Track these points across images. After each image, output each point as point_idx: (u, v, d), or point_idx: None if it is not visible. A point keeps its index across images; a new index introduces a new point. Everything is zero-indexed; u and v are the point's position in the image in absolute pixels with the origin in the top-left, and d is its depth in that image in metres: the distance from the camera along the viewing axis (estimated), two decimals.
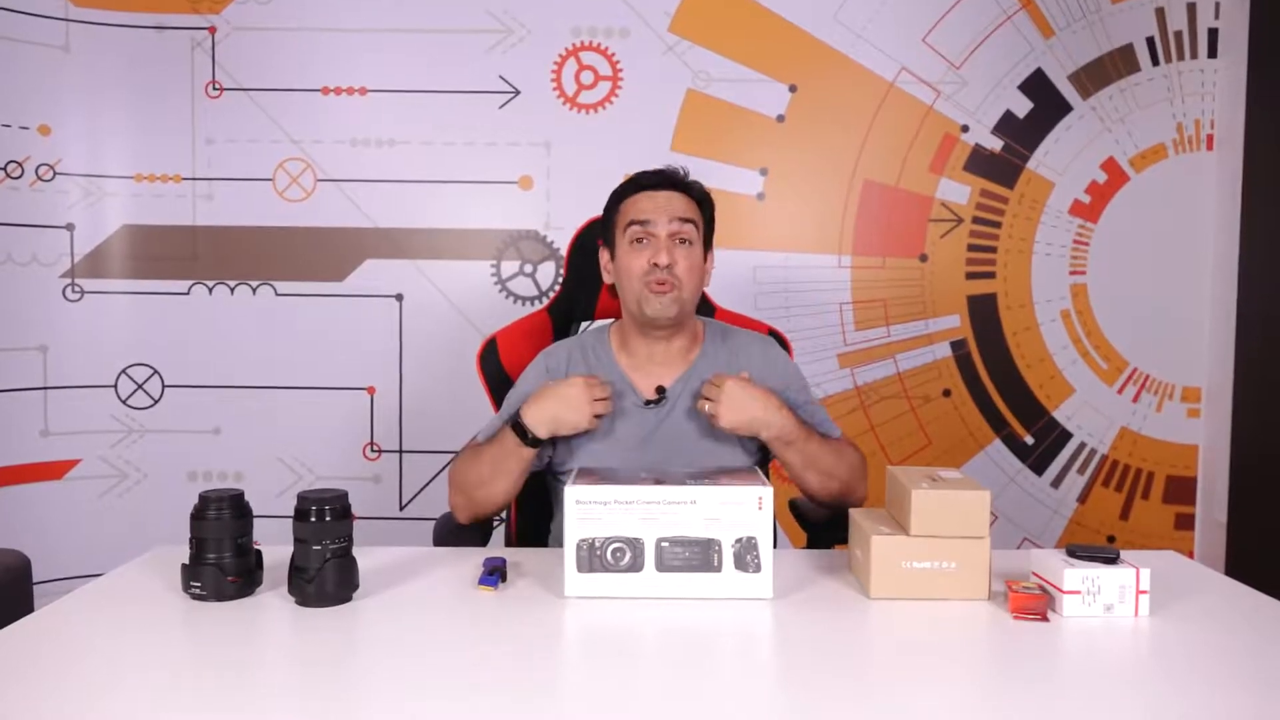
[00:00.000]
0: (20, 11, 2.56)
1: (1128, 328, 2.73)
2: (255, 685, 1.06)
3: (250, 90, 2.68)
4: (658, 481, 1.31)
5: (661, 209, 1.63)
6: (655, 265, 1.60)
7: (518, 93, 2.68)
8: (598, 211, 1.81)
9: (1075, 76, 2.69)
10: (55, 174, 2.63)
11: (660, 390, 1.67)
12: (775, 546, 1.30)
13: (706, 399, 1.56)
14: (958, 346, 2.74)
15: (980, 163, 2.70)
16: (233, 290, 2.72)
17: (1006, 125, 2.69)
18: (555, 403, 1.53)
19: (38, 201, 2.62)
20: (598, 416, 1.55)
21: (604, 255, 1.73)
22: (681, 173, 1.70)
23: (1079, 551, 1.28)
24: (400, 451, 2.74)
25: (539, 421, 1.53)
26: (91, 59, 2.63)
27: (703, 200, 1.70)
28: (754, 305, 2.69)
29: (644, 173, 1.71)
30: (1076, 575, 1.23)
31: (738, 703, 1.02)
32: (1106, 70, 2.69)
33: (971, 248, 2.72)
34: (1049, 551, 1.33)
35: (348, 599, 1.28)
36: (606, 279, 1.74)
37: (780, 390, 1.63)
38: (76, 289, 2.67)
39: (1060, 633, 1.20)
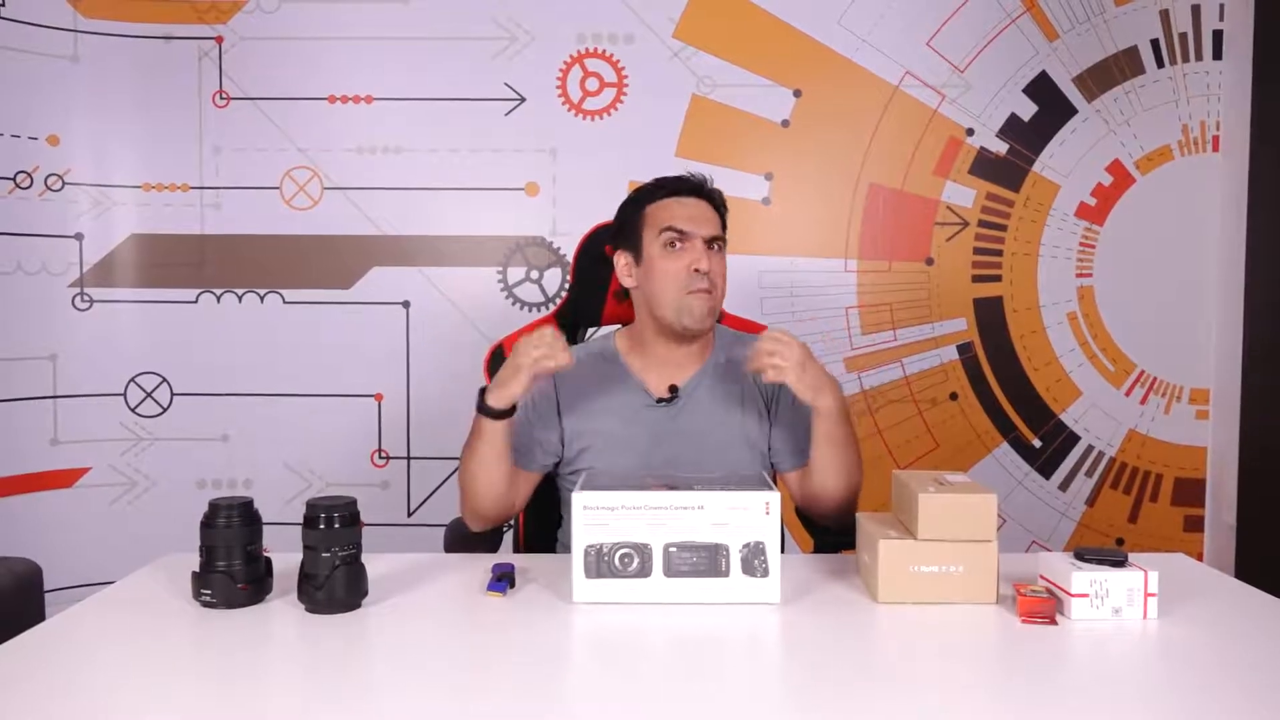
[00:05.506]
0: (29, 23, 2.58)
1: (1135, 330, 2.72)
2: (265, 692, 1.06)
3: (257, 99, 2.69)
4: (665, 487, 1.31)
5: (697, 220, 1.64)
6: (698, 271, 1.60)
7: (523, 100, 2.69)
8: (604, 217, 1.81)
9: (1080, 79, 2.68)
10: (64, 184, 2.65)
11: (673, 389, 1.67)
12: (783, 551, 1.30)
13: (768, 355, 1.49)
14: (964, 350, 2.74)
15: (985, 166, 2.70)
16: (240, 298, 2.73)
17: (1011, 128, 2.69)
18: (504, 370, 1.53)
19: (46, 211, 2.63)
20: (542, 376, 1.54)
21: (622, 258, 1.70)
22: (706, 180, 1.70)
23: (1087, 554, 1.27)
24: (408, 458, 2.75)
25: (491, 390, 1.53)
26: (99, 69, 2.65)
27: (722, 209, 1.71)
28: (760, 310, 2.69)
29: (670, 178, 1.71)
30: (1084, 578, 1.23)
31: (746, 707, 1.02)
32: (1111, 73, 2.68)
33: (977, 251, 2.72)
34: (1057, 555, 1.32)
35: (357, 605, 1.28)
36: (629, 284, 1.70)
37: (779, 388, 1.64)
38: (85, 298, 2.69)
39: (1068, 636, 1.20)
